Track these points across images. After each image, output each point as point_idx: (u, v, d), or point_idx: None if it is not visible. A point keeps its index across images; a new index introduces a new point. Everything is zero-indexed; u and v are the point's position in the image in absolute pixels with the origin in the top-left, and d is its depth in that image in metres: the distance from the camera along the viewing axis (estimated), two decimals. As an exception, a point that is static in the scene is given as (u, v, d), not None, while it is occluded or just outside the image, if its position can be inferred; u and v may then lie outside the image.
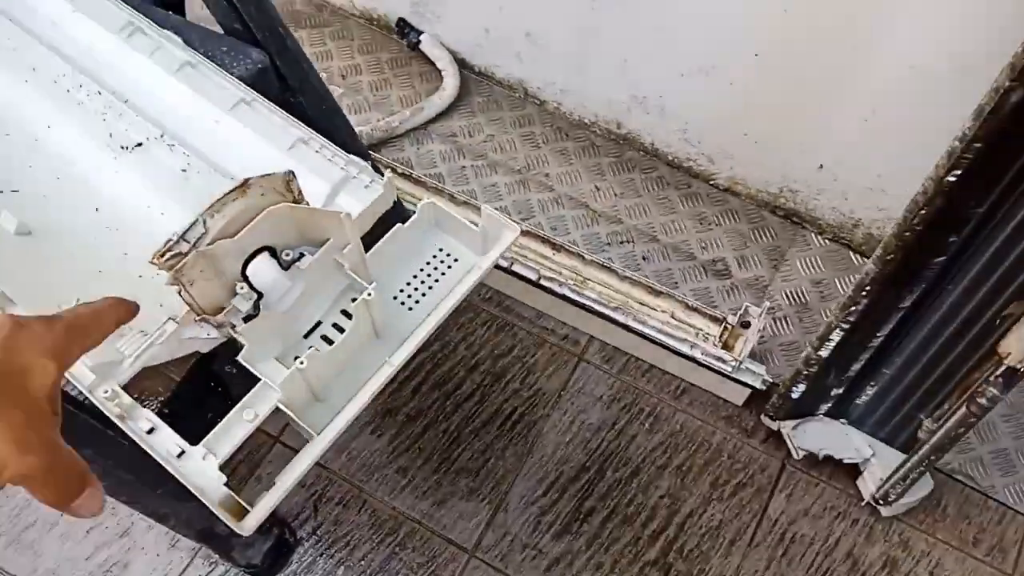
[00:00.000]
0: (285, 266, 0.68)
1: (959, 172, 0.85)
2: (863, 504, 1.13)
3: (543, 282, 1.20)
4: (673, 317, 1.19)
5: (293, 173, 0.68)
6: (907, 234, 0.91)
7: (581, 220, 1.36)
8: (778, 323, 1.27)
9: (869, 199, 1.24)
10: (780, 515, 1.14)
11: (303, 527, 1.13)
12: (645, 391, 1.23)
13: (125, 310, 0.56)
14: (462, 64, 1.49)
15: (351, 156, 0.79)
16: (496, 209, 0.74)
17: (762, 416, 1.17)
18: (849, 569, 1.11)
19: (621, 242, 1.34)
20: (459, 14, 1.41)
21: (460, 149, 1.43)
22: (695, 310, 1.19)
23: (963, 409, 0.91)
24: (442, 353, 1.25)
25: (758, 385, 1.15)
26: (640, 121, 1.37)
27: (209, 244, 0.62)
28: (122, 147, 0.81)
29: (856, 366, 1.08)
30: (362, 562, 1.11)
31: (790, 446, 1.14)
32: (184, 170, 0.79)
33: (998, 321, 0.83)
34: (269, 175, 0.66)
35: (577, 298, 1.19)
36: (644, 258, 1.33)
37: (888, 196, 1.22)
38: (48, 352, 0.46)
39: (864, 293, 0.97)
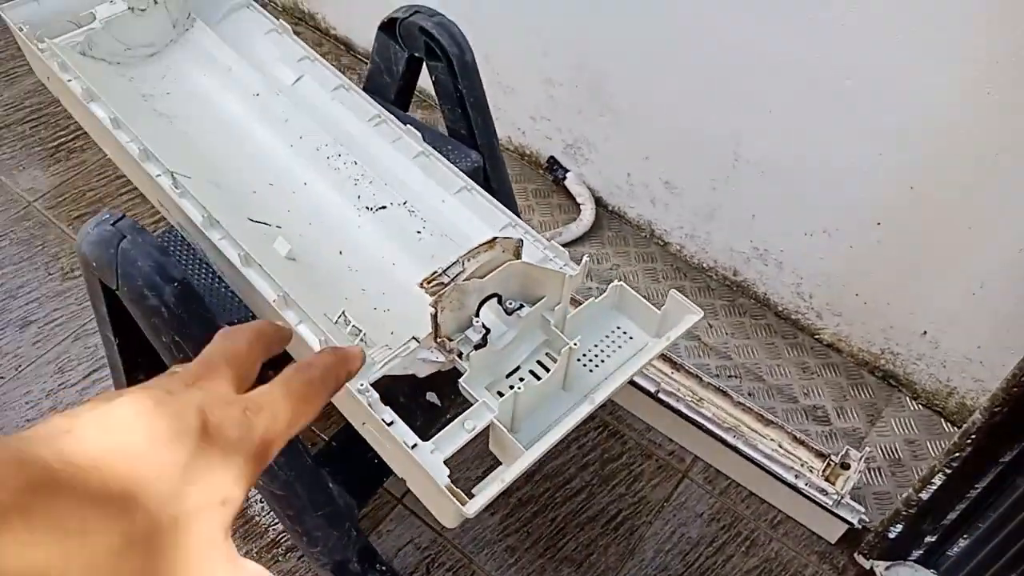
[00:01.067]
0: (508, 312, 0.82)
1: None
2: (951, 655, 1.17)
3: (661, 395, 1.32)
4: (781, 447, 1.28)
5: (522, 241, 0.83)
6: (1015, 389, 1.01)
7: (694, 350, 1.49)
8: (872, 473, 1.35)
9: (967, 369, 1.35)
10: (867, 654, 1.18)
11: (413, 586, 1.20)
12: (744, 516, 1.30)
13: (278, 335, 0.44)
14: (598, 201, 1.68)
15: (551, 243, 0.94)
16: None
17: (856, 554, 1.23)
18: None
19: (729, 376, 1.46)
20: (606, 159, 1.61)
21: (588, 273, 1.59)
22: (802, 443, 1.28)
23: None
24: (556, 448, 1.35)
25: (855, 522, 1.22)
26: (757, 271, 1.52)
27: (464, 280, 0.77)
28: (367, 207, 0.99)
29: (952, 515, 1.15)
30: (464, 629, 1.17)
31: (883, 585, 1.19)
32: (419, 232, 0.95)
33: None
34: (508, 237, 0.82)
35: (692, 415, 1.30)
36: (750, 394, 1.44)
37: (985, 368, 1.32)
38: (247, 459, 0.32)
39: (969, 441, 1.07)
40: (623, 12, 1.37)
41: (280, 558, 1.23)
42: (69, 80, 1.03)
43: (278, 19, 1.17)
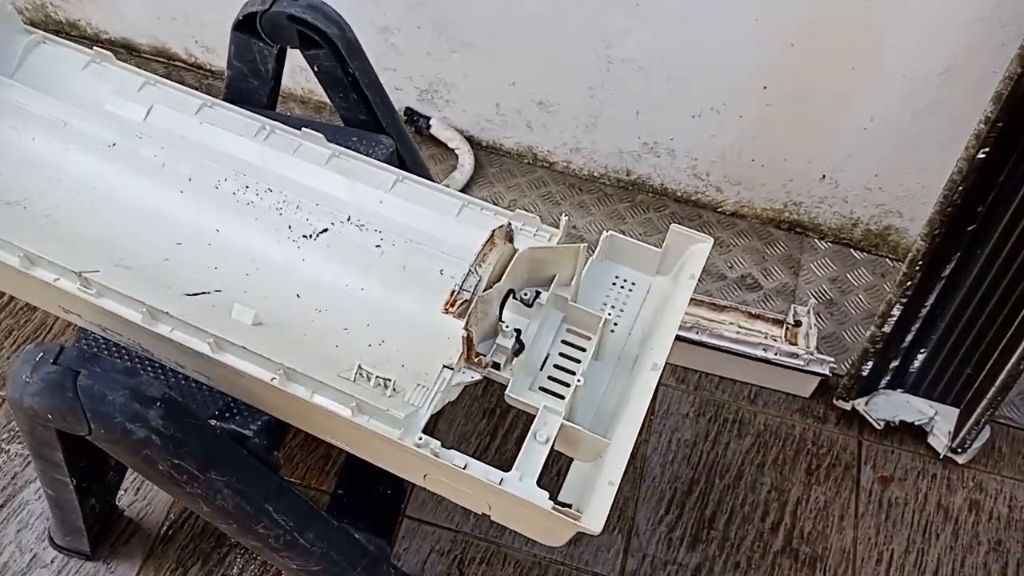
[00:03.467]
0: (527, 304, 0.75)
1: (987, 149, 1.02)
2: (939, 459, 1.28)
3: (617, 318, 1.30)
4: (740, 327, 1.31)
5: (511, 223, 0.76)
6: (949, 209, 1.08)
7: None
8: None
9: (867, 199, 1.43)
10: (872, 484, 1.27)
11: (454, 593, 1.15)
12: (723, 401, 1.34)
13: None
14: (471, 141, 1.60)
15: (518, 211, 0.87)
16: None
17: (835, 400, 1.30)
18: (944, 518, 1.24)
19: (660, 274, 1.46)
20: (469, 96, 1.52)
21: (490, 217, 1.52)
22: (757, 317, 1.32)
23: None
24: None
25: (827, 372, 1.28)
26: (650, 165, 1.52)
27: (486, 290, 0.69)
28: (304, 235, 0.87)
29: (908, 336, 1.24)
30: (520, 612, 1.14)
31: (869, 420, 1.27)
32: (378, 245, 0.85)
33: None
34: (500, 227, 0.75)
35: (653, 326, 1.29)
36: (684, 285, 1.45)
37: (884, 192, 1.41)
38: None
39: (917, 267, 1.13)
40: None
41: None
42: None
43: (91, 47, 0.97)
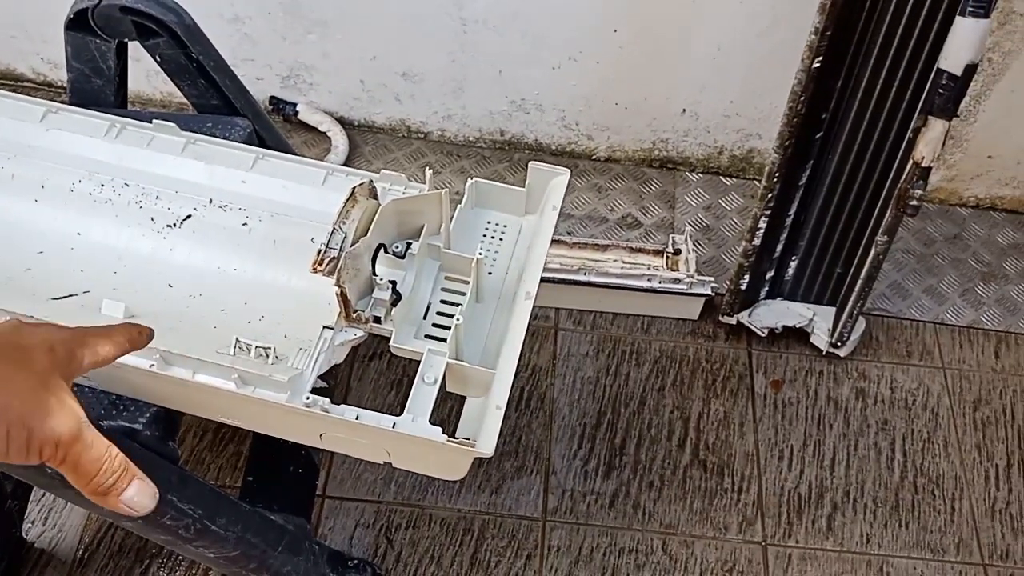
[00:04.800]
0: (400, 256, 0.77)
1: (821, 58, 1.09)
2: (823, 356, 1.36)
3: (507, 271, 1.33)
4: (624, 263, 1.36)
5: (372, 180, 0.78)
6: (795, 119, 1.15)
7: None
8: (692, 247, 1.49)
9: (727, 126, 1.50)
10: (765, 389, 1.34)
11: (384, 561, 1.16)
12: (619, 336, 1.39)
13: (139, 332, 0.60)
14: (341, 122, 1.60)
15: (384, 172, 0.89)
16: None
17: (720, 316, 1.37)
18: (834, 409, 1.33)
19: (545, 226, 1.50)
20: (332, 77, 1.52)
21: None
22: (638, 251, 1.38)
23: (890, 219, 1.14)
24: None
25: (711, 292, 1.35)
26: (521, 122, 1.55)
27: (353, 246, 0.71)
28: (169, 225, 0.86)
29: (778, 247, 1.31)
30: (453, 567, 1.16)
31: (754, 329, 1.35)
32: (244, 224, 0.85)
33: (910, 135, 1.08)
34: (361, 183, 0.76)
35: (544, 274, 1.33)
36: (569, 233, 1.50)
37: (742, 118, 1.48)
38: (49, 344, 0.48)
39: (775, 179, 1.21)
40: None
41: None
42: None
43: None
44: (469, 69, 1.46)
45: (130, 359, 0.71)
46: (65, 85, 1.58)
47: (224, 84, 0.95)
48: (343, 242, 0.70)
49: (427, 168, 0.86)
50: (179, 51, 0.91)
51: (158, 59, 0.92)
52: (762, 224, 1.25)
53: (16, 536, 1.08)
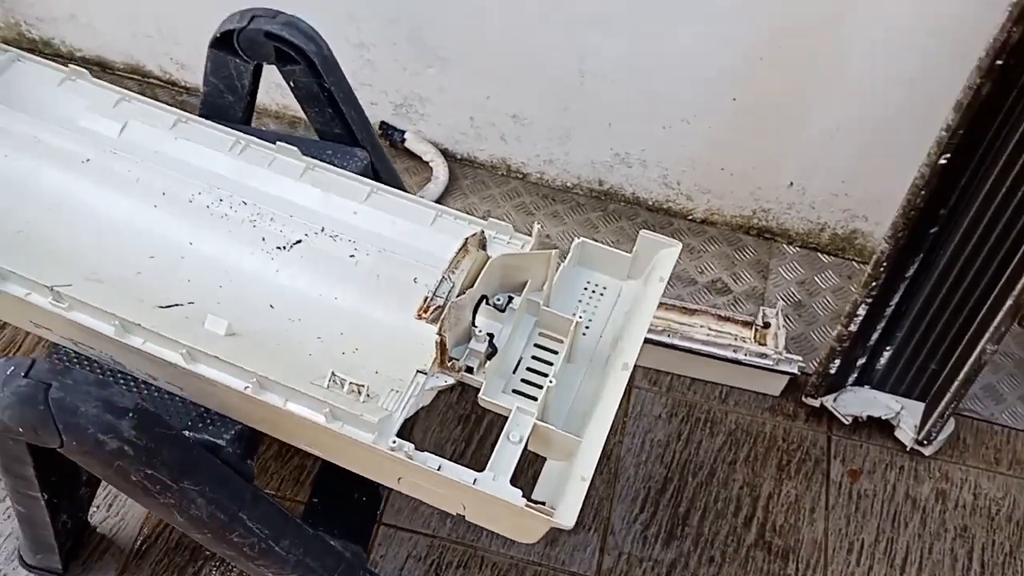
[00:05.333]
0: (500, 309, 0.78)
1: (948, 155, 1.06)
2: (907, 451, 1.31)
3: (591, 323, 1.33)
4: (711, 329, 1.34)
5: (484, 231, 0.79)
6: (912, 212, 1.12)
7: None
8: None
9: (833, 204, 1.47)
10: (842, 477, 1.30)
11: (434, 597, 1.16)
12: (695, 402, 1.37)
13: None
14: (444, 153, 1.63)
15: (491, 220, 0.90)
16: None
17: (804, 397, 1.34)
18: (912, 508, 1.28)
19: (633, 280, 1.50)
20: (444, 109, 1.55)
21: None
22: (726, 319, 1.35)
23: (1002, 328, 1.10)
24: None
25: (796, 372, 1.32)
26: (622, 175, 1.55)
27: (458, 296, 0.72)
28: (278, 247, 0.89)
29: (874, 335, 1.28)
30: (500, 613, 1.15)
31: (838, 416, 1.31)
32: (352, 255, 0.87)
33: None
34: (473, 234, 0.77)
35: (626, 330, 1.32)
36: (657, 290, 1.49)
37: (851, 199, 1.45)
38: None
39: (882, 268, 1.17)
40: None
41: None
42: None
43: (66, 64, 0.99)
44: (579, 118, 1.47)
45: (226, 379, 0.73)
46: (187, 86, 1.66)
47: (350, 115, 0.99)
48: (450, 292, 0.71)
49: (535, 224, 0.87)
50: (313, 80, 0.94)
51: (292, 84, 0.95)
52: (861, 311, 1.22)
53: (82, 520, 1.11)
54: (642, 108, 1.41)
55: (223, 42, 0.93)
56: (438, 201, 1.58)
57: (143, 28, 1.61)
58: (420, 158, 1.62)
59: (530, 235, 0.87)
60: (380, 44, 1.47)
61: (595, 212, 1.60)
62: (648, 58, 1.34)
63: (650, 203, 1.59)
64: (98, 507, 1.19)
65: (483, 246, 0.78)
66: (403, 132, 1.61)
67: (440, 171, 1.60)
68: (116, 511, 1.19)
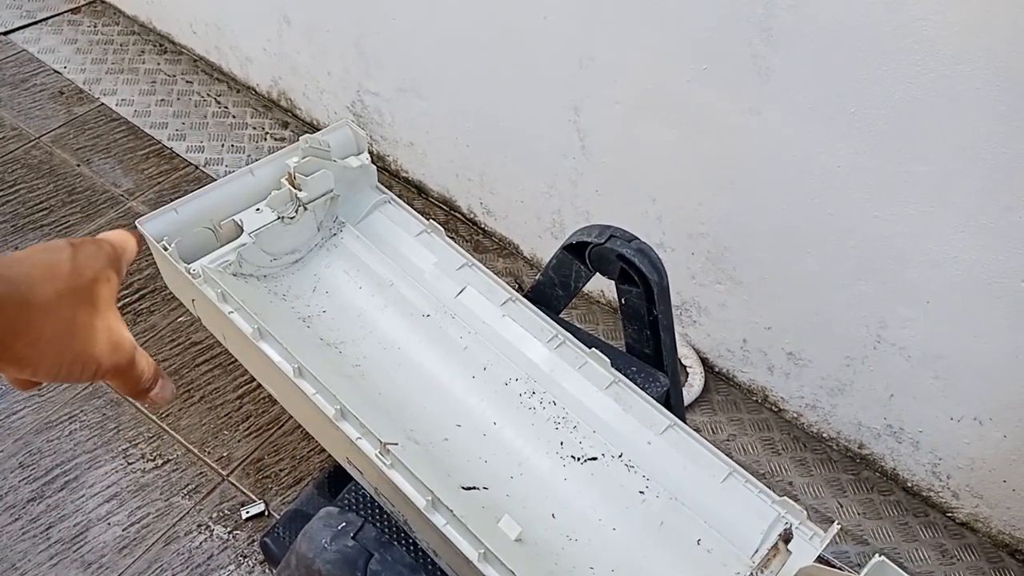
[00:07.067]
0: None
1: None
2: None
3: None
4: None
5: (790, 528, 0.75)
6: None
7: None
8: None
9: None
10: None
11: None
12: None
13: (137, 235, 0.63)
14: (704, 362, 1.61)
15: (783, 498, 0.86)
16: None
17: None
18: None
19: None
20: (720, 324, 1.55)
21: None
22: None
23: None
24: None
25: None
26: (887, 447, 1.46)
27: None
28: (573, 457, 0.89)
29: None
30: None
31: None
32: (642, 492, 0.86)
33: None
34: (786, 528, 0.74)
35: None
36: (896, 585, 1.35)
37: None
38: (104, 276, 0.52)
39: None
40: (752, 196, 1.32)
41: None
42: (231, 312, 0.93)
43: (427, 218, 1.09)
44: (861, 377, 1.41)
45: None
46: (485, 228, 1.78)
47: (664, 342, 1.00)
48: (759, 586, 0.68)
49: (834, 524, 0.82)
50: (644, 303, 0.97)
51: (623, 301, 0.99)
52: None
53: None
54: (933, 392, 1.33)
55: (575, 249, 0.99)
56: (686, 409, 1.56)
57: (466, 173, 1.76)
58: (680, 361, 1.62)
59: (821, 526, 0.83)
60: (679, 250, 1.51)
61: (846, 474, 1.51)
62: (956, 348, 1.27)
63: (909, 485, 1.47)
64: None
65: (787, 540, 0.74)
66: (671, 332, 1.62)
67: (696, 379, 1.59)
68: None
